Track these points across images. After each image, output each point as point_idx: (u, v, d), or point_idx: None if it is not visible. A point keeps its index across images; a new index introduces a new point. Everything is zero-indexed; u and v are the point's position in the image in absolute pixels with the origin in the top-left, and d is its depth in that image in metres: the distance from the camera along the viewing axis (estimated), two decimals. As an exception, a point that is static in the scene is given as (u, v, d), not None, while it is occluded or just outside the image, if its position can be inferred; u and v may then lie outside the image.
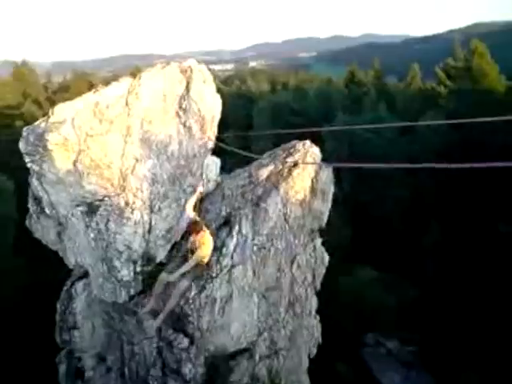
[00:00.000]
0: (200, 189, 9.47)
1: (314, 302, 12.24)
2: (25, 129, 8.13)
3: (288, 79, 61.65)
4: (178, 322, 8.71)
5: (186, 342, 8.53)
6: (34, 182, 8.53)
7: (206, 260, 8.42)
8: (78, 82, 43.67)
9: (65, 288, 10.11)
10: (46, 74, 54.50)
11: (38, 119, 8.59)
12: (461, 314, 20.99)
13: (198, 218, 8.79)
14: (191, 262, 8.19)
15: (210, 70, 10.79)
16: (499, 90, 29.26)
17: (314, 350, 12.51)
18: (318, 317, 12.65)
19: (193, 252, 8.24)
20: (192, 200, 9.20)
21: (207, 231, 8.53)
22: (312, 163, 10.62)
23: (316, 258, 11.74)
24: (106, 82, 10.04)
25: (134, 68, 47.27)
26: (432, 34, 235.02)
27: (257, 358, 9.94)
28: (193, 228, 8.41)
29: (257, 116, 41.35)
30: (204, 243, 8.28)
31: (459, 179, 24.90)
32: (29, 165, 8.18)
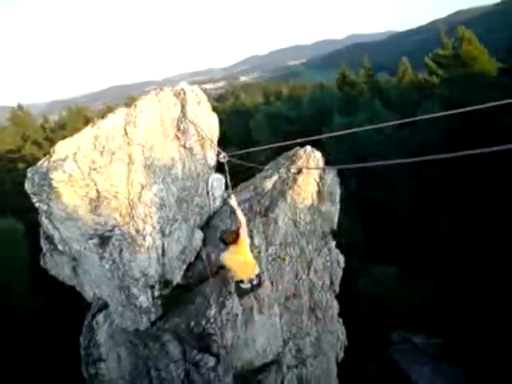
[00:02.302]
0: None
1: (335, 306, 12.21)
2: (29, 170, 8.17)
3: (280, 89, 61.90)
4: (202, 342, 8.70)
5: (212, 361, 8.52)
6: (44, 220, 8.59)
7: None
8: (74, 118, 44.16)
9: (86, 321, 10.14)
10: (42, 115, 55.00)
11: (39, 159, 8.63)
12: (483, 301, 20.74)
13: None
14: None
15: (202, 89, 10.89)
16: (491, 72, 29.34)
17: (342, 354, 12.46)
18: (341, 320, 12.62)
19: None
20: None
21: None
22: (316, 168, 10.67)
23: (332, 261, 11.75)
24: (102, 115, 10.12)
25: (127, 98, 47.78)
26: (416, 27, 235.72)
27: (284, 368, 9.91)
28: None
29: (254, 129, 41.54)
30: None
31: (464, 166, 24.80)
32: (36, 205, 8.23)
